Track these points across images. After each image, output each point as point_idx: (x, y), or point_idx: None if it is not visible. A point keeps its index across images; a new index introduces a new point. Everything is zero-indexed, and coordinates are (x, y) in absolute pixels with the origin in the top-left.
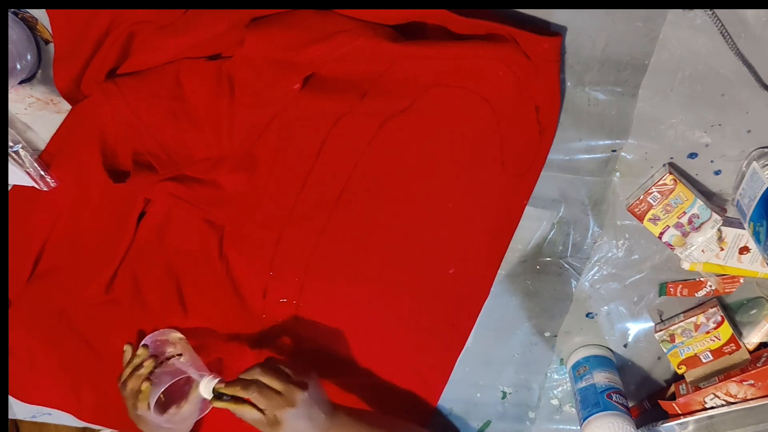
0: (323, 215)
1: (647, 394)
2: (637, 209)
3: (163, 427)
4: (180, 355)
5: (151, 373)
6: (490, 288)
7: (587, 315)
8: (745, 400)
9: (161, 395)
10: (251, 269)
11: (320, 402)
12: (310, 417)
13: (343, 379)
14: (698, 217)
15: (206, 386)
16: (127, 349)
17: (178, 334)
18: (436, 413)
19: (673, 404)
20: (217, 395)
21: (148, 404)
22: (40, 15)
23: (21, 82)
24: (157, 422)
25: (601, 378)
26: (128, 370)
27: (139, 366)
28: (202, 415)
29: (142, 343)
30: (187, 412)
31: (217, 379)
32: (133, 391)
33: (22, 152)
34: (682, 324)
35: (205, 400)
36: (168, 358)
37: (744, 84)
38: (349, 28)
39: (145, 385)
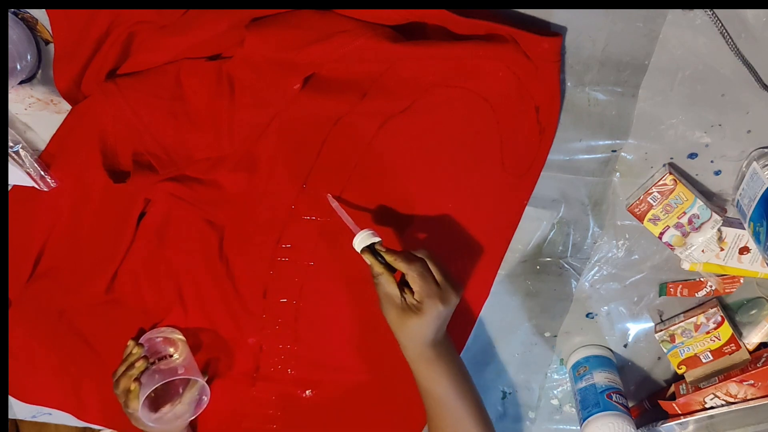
0: (323, 215)
1: (647, 394)
2: (637, 209)
3: (155, 426)
4: (171, 356)
5: (142, 373)
6: (490, 288)
7: (587, 315)
8: (745, 400)
9: (153, 393)
10: (251, 269)
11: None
12: (442, 323)
13: (344, 377)
14: (698, 218)
15: (362, 239)
16: (130, 344)
17: (178, 334)
18: None
19: (673, 404)
20: (372, 250)
21: (138, 404)
22: (40, 15)
23: (21, 83)
24: (147, 421)
25: (601, 378)
26: (121, 369)
27: (132, 365)
28: (196, 414)
29: (139, 341)
30: (180, 411)
31: (378, 239)
32: (124, 390)
33: (22, 152)
34: (682, 324)
35: (199, 400)
36: (161, 359)
37: (744, 84)
38: (349, 28)
39: (134, 386)
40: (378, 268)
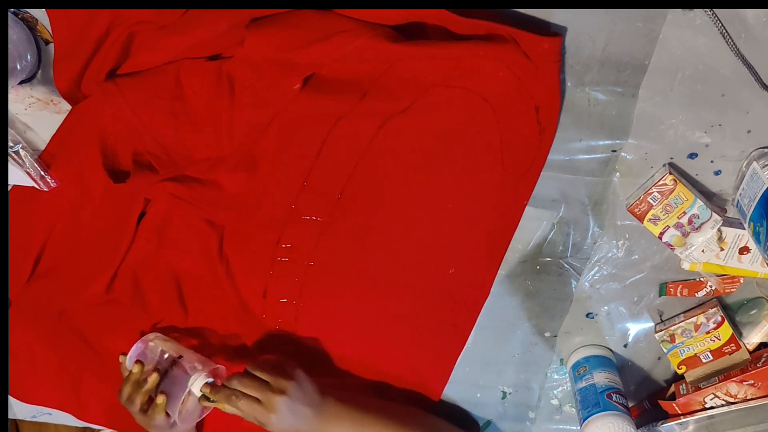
0: (323, 215)
1: (647, 394)
2: (637, 209)
3: (175, 427)
4: (180, 357)
5: (158, 384)
6: (490, 288)
7: (587, 315)
8: (745, 400)
9: (167, 395)
10: (251, 269)
11: (305, 398)
12: (295, 416)
13: (343, 379)
14: (698, 218)
15: (196, 384)
16: (122, 360)
17: (160, 336)
18: (436, 413)
19: (673, 404)
20: (205, 397)
21: (166, 414)
22: (40, 15)
23: (21, 83)
24: (171, 424)
25: (601, 378)
26: (129, 388)
27: (144, 381)
28: (208, 412)
29: (135, 359)
30: (192, 405)
31: (208, 380)
32: (142, 404)
33: (22, 152)
34: (682, 324)
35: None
36: (171, 365)
37: (744, 84)
38: (349, 28)
39: (161, 399)
40: (224, 409)
